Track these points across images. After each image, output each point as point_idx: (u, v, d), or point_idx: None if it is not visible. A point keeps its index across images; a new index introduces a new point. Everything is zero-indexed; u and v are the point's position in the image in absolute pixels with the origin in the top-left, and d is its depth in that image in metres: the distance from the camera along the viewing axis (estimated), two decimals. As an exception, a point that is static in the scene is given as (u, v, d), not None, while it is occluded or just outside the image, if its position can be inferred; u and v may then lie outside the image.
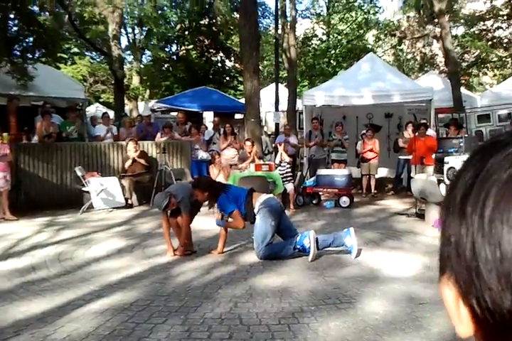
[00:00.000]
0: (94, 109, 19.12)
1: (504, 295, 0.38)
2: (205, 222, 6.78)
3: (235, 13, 21.75)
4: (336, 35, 26.22)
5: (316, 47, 25.36)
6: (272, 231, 5.14)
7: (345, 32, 25.95)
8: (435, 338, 3.06)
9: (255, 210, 5.22)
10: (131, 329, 3.29)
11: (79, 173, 8.98)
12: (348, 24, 25.86)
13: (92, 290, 4.16)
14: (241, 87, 22.26)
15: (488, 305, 0.39)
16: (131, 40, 24.83)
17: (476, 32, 22.53)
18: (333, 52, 24.92)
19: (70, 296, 4.00)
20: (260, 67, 14.61)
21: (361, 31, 25.70)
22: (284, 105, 14.78)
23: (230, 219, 5.34)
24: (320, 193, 9.70)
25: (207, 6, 22.78)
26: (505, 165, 0.40)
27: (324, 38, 26.52)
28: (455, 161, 6.85)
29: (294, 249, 5.17)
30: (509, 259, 0.38)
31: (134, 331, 3.25)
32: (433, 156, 8.63)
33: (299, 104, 14.64)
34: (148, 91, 24.29)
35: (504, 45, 22.23)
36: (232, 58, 25.51)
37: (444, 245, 0.44)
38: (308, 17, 26.45)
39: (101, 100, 24.54)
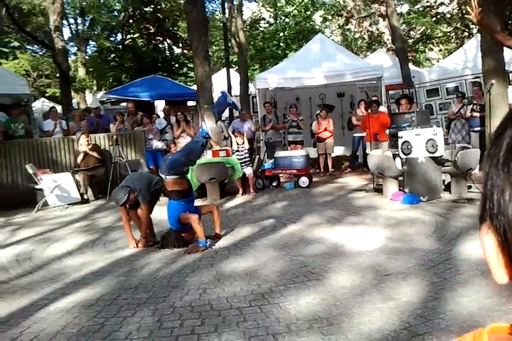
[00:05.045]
0: (40, 104, 18.45)
1: None
2: (165, 212, 6.67)
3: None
4: (283, 17, 26.15)
5: (264, 30, 25.22)
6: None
7: (292, 14, 25.92)
8: (404, 307, 3.12)
9: None
10: (101, 324, 3.21)
11: (30, 171, 8.68)
12: (295, 6, 25.81)
13: (55, 289, 4.04)
14: (191, 74, 21.94)
15: None
16: (74, 31, 24.01)
17: (420, 9, 22.97)
18: (281, 34, 24.87)
19: (33, 297, 3.87)
20: (210, 53, 14.41)
21: (308, 12, 25.72)
22: (236, 90, 14.67)
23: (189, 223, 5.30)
24: (279, 175, 9.74)
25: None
26: None
27: (272, 20, 26.40)
28: (408, 135, 6.99)
29: None
30: None
31: (104, 326, 3.17)
32: (387, 132, 8.77)
33: (252, 88, 14.58)
34: (95, 82, 23.60)
35: (447, 20, 22.78)
36: (181, 45, 25.04)
37: (485, 196, 0.47)
38: (255, 0, 26.23)
39: (47, 95, 23.67)
